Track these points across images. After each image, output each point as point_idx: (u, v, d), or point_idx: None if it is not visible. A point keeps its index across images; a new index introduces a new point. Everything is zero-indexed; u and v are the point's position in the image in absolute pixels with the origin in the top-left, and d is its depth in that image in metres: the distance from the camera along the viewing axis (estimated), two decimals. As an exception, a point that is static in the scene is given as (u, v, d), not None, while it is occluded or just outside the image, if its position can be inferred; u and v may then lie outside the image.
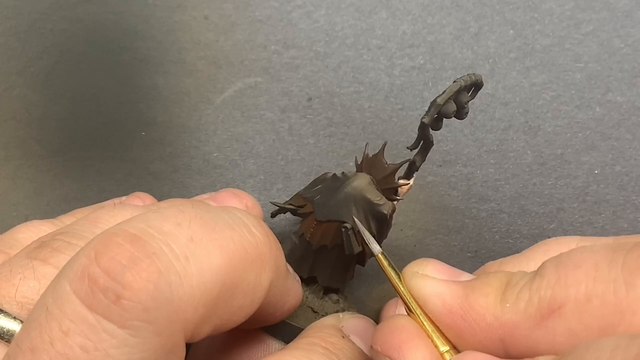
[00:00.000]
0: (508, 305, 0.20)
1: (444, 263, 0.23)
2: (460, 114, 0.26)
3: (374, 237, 0.27)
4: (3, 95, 0.34)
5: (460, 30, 0.33)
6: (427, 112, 0.25)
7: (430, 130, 0.27)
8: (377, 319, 0.33)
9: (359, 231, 0.27)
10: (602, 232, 0.33)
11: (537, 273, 0.20)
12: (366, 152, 0.28)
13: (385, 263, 0.24)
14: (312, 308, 0.29)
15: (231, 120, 0.34)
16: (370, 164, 0.28)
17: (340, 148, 0.34)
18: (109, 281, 0.19)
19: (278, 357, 0.22)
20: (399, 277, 0.23)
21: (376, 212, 0.27)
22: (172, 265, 0.19)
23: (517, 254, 0.28)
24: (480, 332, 0.20)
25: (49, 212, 0.35)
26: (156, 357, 0.19)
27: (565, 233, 0.33)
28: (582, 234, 0.33)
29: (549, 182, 0.33)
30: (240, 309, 0.22)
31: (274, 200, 0.31)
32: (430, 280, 0.22)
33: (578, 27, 0.33)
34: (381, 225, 0.27)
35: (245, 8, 0.33)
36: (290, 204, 0.29)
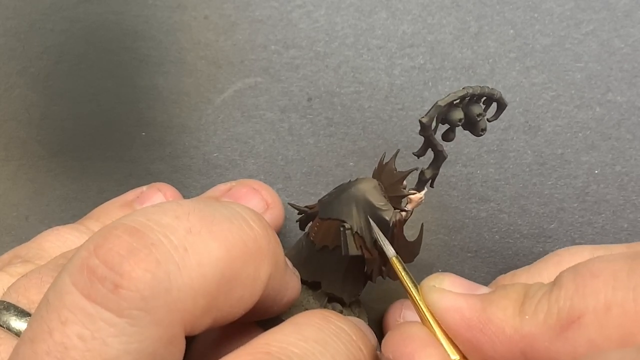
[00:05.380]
0: (527, 317, 0.20)
1: (460, 277, 0.23)
2: (474, 128, 0.26)
3: (375, 244, 0.26)
4: (3, 95, 0.35)
5: (460, 30, 0.33)
6: (427, 112, 0.25)
7: (441, 140, 0.26)
8: (378, 319, 0.33)
9: (357, 232, 0.26)
10: (602, 231, 0.33)
11: (555, 284, 0.20)
12: (381, 159, 0.28)
13: (399, 267, 0.24)
14: None
15: (231, 120, 0.34)
16: (381, 170, 0.27)
17: (340, 148, 0.34)
18: (107, 271, 0.19)
19: (268, 333, 0.22)
20: (413, 283, 0.23)
21: (378, 217, 0.26)
22: (170, 256, 0.20)
23: (528, 266, 0.28)
24: (500, 345, 0.20)
25: (49, 213, 0.35)
26: (155, 348, 0.19)
27: (566, 233, 0.33)
28: (582, 233, 0.33)
29: (549, 182, 0.33)
30: (239, 302, 0.22)
31: (292, 202, 0.31)
32: (448, 294, 0.22)
33: (578, 27, 0.33)
34: (384, 233, 0.26)
35: (245, 8, 0.33)
36: (306, 206, 0.29)
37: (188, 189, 0.35)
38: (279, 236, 0.33)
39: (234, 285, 0.21)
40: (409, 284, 0.23)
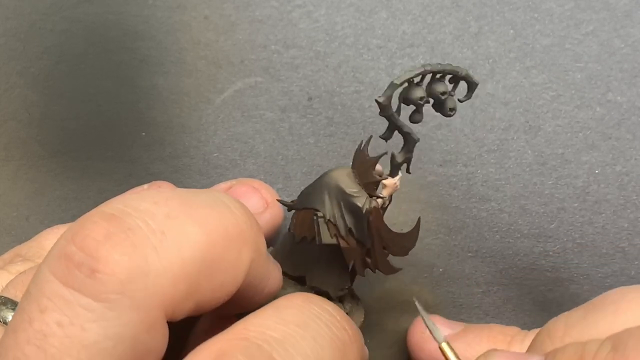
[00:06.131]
0: None
1: (511, 352, 0.22)
2: (442, 108, 0.25)
3: (351, 232, 0.26)
4: (3, 95, 0.35)
5: (460, 30, 0.33)
6: (384, 92, 0.24)
7: (409, 122, 0.26)
8: (377, 318, 0.33)
9: (329, 220, 0.26)
10: (602, 231, 0.33)
11: (618, 350, 0.19)
12: (358, 146, 0.27)
13: (450, 355, 0.23)
14: None
15: (231, 120, 0.34)
16: (356, 158, 0.27)
17: (341, 148, 0.34)
18: (84, 257, 0.19)
19: (248, 318, 0.21)
20: None
21: (349, 204, 0.26)
22: (147, 240, 0.20)
23: (582, 311, 0.25)
24: None
25: (49, 213, 0.35)
26: (135, 332, 0.19)
27: (566, 233, 0.33)
28: (583, 233, 0.33)
29: (550, 182, 0.33)
30: (221, 287, 0.21)
31: (279, 198, 0.30)
32: None
33: (578, 27, 0.33)
34: (358, 221, 0.26)
35: (245, 8, 0.33)
36: (292, 201, 0.29)
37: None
38: (278, 235, 0.33)
39: (215, 269, 0.21)
40: None
